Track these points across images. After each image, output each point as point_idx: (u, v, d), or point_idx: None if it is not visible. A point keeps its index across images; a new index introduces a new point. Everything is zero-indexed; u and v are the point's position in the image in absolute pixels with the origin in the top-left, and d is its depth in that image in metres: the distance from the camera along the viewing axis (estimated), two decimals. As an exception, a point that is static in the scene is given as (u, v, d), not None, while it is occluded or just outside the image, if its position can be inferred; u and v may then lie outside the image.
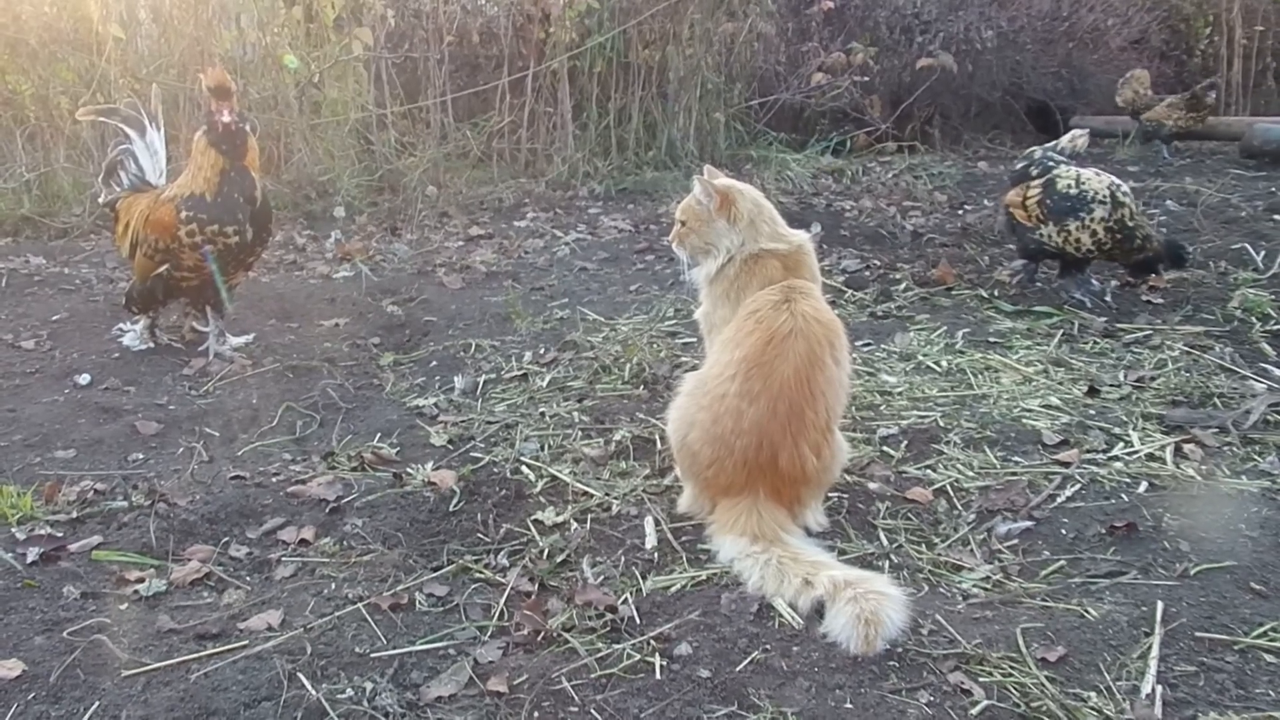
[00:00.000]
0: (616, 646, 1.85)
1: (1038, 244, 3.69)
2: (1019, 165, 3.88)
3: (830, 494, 2.34)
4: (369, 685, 1.75)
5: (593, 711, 1.69)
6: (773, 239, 2.35)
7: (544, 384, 3.14)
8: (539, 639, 1.89)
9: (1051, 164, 3.75)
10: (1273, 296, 3.62)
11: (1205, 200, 5.25)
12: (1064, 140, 3.92)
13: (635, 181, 6.18)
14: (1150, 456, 2.51)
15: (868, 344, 3.36)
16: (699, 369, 2.39)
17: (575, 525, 2.30)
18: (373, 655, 1.85)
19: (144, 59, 5.82)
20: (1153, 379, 2.98)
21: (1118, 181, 3.62)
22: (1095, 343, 3.31)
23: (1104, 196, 3.52)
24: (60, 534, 2.29)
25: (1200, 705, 1.66)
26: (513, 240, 5.06)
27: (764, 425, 2.12)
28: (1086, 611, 1.90)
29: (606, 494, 2.43)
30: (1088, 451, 2.54)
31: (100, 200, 3.78)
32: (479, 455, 2.66)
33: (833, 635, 1.82)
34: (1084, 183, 3.58)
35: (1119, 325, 3.45)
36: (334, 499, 2.42)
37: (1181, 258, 3.70)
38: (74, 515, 2.38)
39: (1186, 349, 3.19)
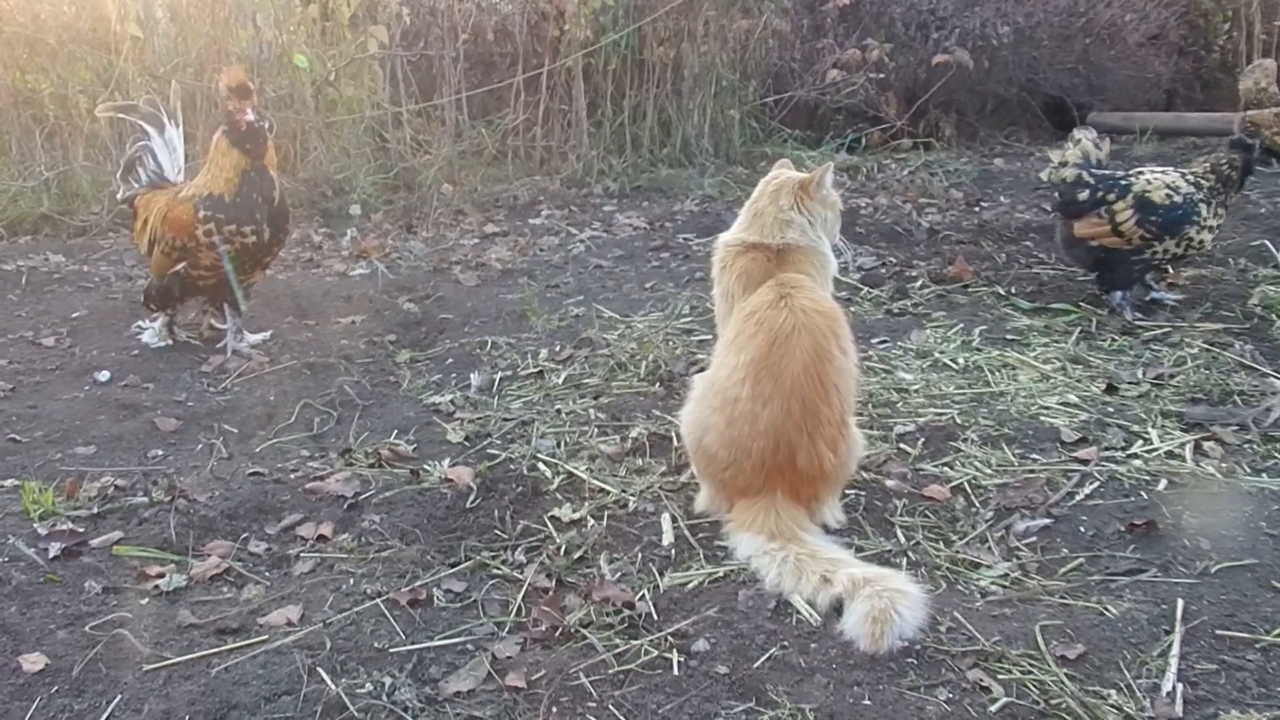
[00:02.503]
0: (634, 643, 1.86)
1: (1145, 264, 3.49)
2: (1081, 195, 3.52)
3: (847, 491, 2.34)
4: (388, 680, 1.76)
5: (610, 707, 1.69)
6: (759, 233, 2.34)
7: (560, 381, 3.15)
8: (557, 635, 1.90)
9: (1120, 179, 3.51)
10: (1293, 293, 3.59)
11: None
12: (1091, 152, 3.62)
13: (650, 179, 6.17)
14: (1170, 454, 2.50)
15: (884, 341, 3.35)
16: (706, 370, 2.38)
17: (592, 522, 2.30)
18: (391, 650, 1.86)
19: (161, 58, 5.85)
20: (1172, 376, 2.96)
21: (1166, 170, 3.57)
22: (1113, 340, 3.29)
23: (1193, 192, 3.42)
24: (81, 529, 2.31)
25: (1221, 703, 1.65)
26: (528, 238, 5.07)
27: (779, 426, 2.11)
28: (1106, 609, 1.89)
29: (623, 491, 2.43)
30: (1106, 449, 2.53)
31: (119, 196, 3.81)
32: (496, 452, 2.67)
33: (848, 633, 1.81)
34: (1175, 187, 3.43)
35: (1138, 322, 3.43)
36: (352, 495, 2.44)
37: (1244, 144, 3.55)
38: (95, 511, 2.40)
39: (1206, 346, 3.17)
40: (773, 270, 2.28)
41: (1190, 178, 3.48)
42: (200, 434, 2.89)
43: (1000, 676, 1.72)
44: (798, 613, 1.91)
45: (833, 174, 2.37)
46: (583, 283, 4.27)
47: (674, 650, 1.83)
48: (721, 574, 2.07)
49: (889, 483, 2.42)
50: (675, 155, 6.40)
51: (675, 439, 2.62)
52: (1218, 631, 1.82)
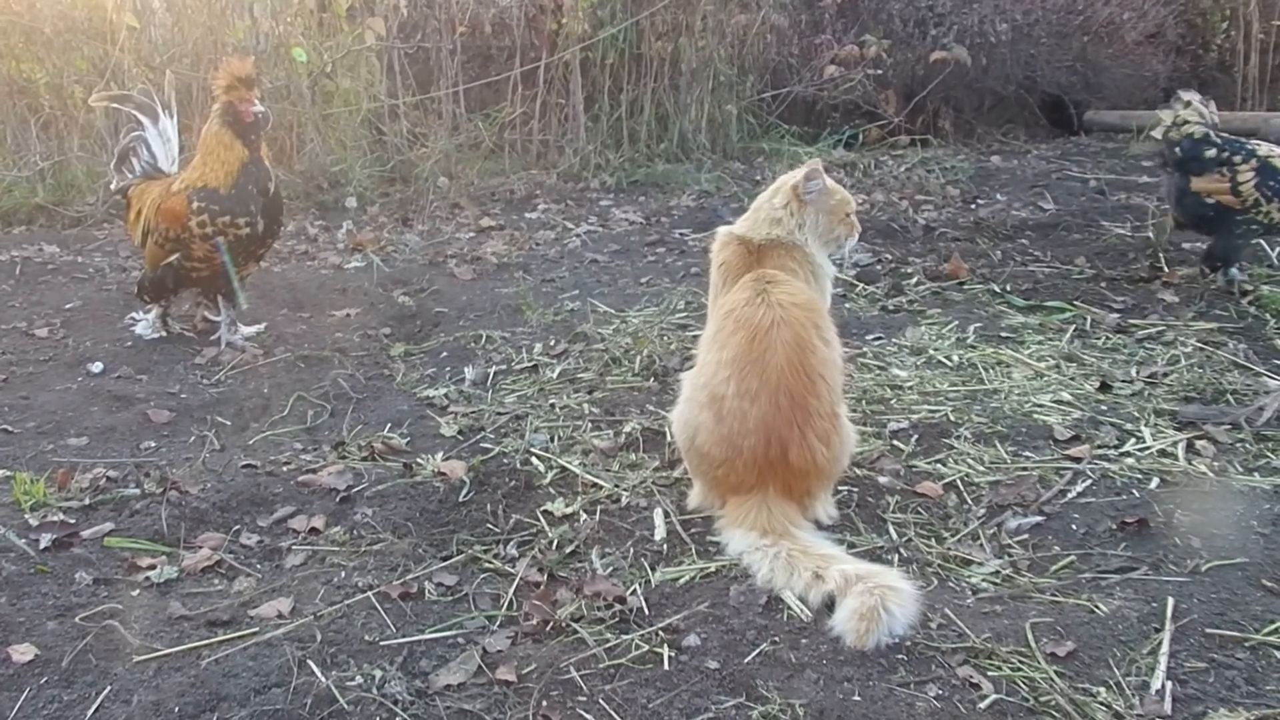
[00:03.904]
0: (625, 637, 1.86)
1: (1244, 228, 3.59)
2: (1208, 153, 3.62)
3: (840, 487, 2.34)
4: (378, 673, 1.76)
5: (601, 701, 1.69)
6: (748, 228, 2.36)
7: (554, 375, 3.14)
8: (548, 629, 1.90)
9: (1242, 144, 3.64)
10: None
11: (1220, 196, 5.21)
12: (1205, 112, 3.73)
13: (647, 174, 6.17)
14: (1162, 452, 2.50)
15: (879, 338, 3.35)
16: (693, 368, 2.38)
17: (584, 516, 2.30)
18: (382, 643, 1.86)
19: (158, 48, 5.83)
20: (1165, 375, 2.96)
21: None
22: (1107, 338, 3.29)
23: None
24: (73, 521, 2.30)
25: (1210, 701, 1.65)
26: (524, 232, 5.06)
27: (770, 422, 2.11)
28: (1096, 607, 1.90)
29: (616, 485, 2.43)
30: (1099, 447, 2.53)
31: (112, 187, 3.80)
32: (489, 446, 2.67)
33: (837, 629, 1.81)
34: None
35: (1131, 321, 3.43)
36: (344, 488, 2.43)
37: None
38: (86, 502, 2.39)
39: (1199, 345, 3.18)
40: (752, 264, 2.30)
41: None
42: (193, 426, 2.89)
43: (990, 673, 1.73)
44: (789, 609, 1.91)
45: (819, 180, 2.34)
46: (578, 277, 4.27)
47: (665, 645, 1.83)
48: (713, 569, 2.08)
49: (881, 479, 2.42)
50: (672, 150, 6.40)
51: (668, 434, 2.62)
52: (1208, 630, 1.82)
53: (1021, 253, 4.36)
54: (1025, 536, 2.17)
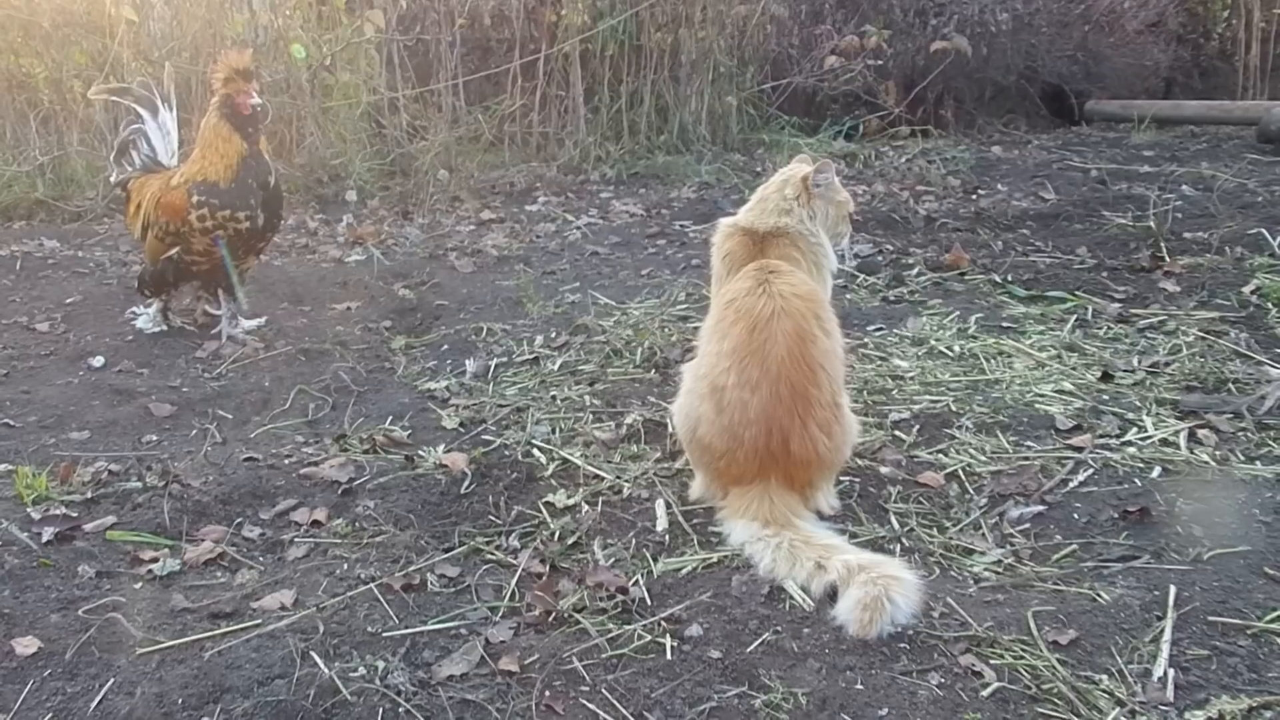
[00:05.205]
0: (627, 627, 1.86)
1: None
2: None
3: (842, 478, 2.34)
4: (381, 664, 1.76)
5: (604, 691, 1.69)
6: (754, 219, 2.36)
7: (555, 368, 3.14)
8: (550, 619, 1.90)
9: None
10: (1289, 282, 3.59)
11: (1221, 185, 5.20)
12: None
13: (647, 166, 6.16)
14: (1164, 441, 2.50)
15: (880, 329, 3.35)
16: (694, 360, 2.38)
17: (586, 508, 2.30)
18: (385, 635, 1.86)
19: (156, 42, 5.82)
20: (1167, 364, 2.96)
21: None
22: (1109, 328, 3.29)
23: None
24: (75, 514, 2.30)
25: (1212, 688, 1.65)
26: (524, 224, 5.06)
27: (770, 412, 2.11)
28: (1098, 595, 1.90)
29: (617, 477, 2.43)
30: (1101, 436, 2.53)
31: (112, 180, 3.79)
32: (490, 438, 2.67)
33: (840, 619, 1.82)
34: None
35: (1133, 310, 3.43)
36: (346, 481, 2.43)
37: None
38: (89, 496, 2.39)
39: (1201, 334, 3.17)
40: (756, 255, 2.30)
41: None
42: (195, 419, 2.89)
43: (992, 662, 1.73)
44: (791, 598, 1.91)
45: (829, 173, 2.37)
46: (579, 269, 4.26)
47: (667, 635, 1.83)
48: (715, 560, 2.08)
49: (883, 469, 2.42)
50: (672, 142, 6.39)
51: (670, 426, 2.62)
52: (1209, 617, 1.82)
53: (1023, 243, 4.36)
54: (1027, 526, 2.17)
